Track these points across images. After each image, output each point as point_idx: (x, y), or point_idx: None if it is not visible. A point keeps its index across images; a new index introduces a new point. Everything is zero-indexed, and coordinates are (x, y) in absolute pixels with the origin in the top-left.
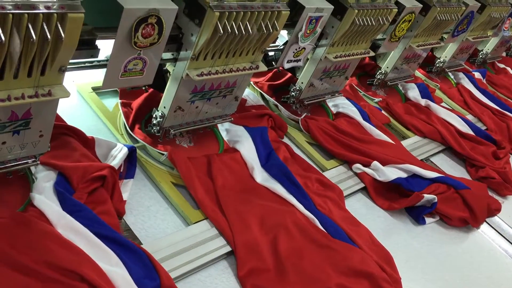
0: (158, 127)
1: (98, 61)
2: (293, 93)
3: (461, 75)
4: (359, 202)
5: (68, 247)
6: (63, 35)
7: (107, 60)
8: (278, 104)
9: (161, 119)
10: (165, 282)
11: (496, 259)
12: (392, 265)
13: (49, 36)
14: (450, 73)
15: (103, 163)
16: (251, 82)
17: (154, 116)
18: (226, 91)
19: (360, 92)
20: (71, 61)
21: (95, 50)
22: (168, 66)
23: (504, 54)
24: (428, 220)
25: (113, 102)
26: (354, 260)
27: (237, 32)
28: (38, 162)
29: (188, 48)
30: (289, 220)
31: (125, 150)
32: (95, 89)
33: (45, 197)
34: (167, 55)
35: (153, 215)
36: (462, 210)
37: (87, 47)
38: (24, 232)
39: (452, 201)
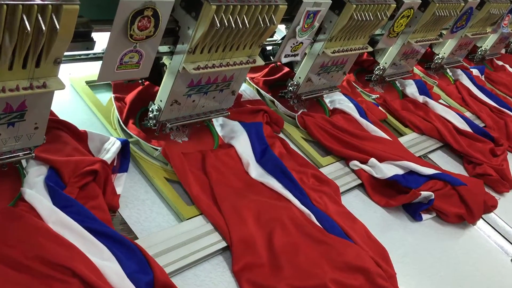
0: (154, 121)
1: (94, 54)
2: (290, 88)
3: (459, 72)
4: (355, 198)
5: (59, 242)
6: (58, 27)
7: (103, 53)
8: (274, 100)
9: (158, 113)
10: (159, 276)
11: (492, 255)
12: (387, 260)
13: (43, 28)
14: (448, 70)
15: (95, 157)
16: (247, 78)
17: (150, 109)
18: (223, 85)
19: (358, 89)
20: (66, 53)
21: (90, 43)
22: (165, 60)
23: (503, 51)
24: (425, 216)
25: (107, 96)
26: (350, 256)
27: (234, 26)
28: (33, 154)
29: (184, 42)
30: (285, 215)
31: (118, 144)
32: (89, 82)
33: (36, 191)
34: (164, 48)
35: (148, 208)
36: (459, 207)
37: (82, 39)
38: (15, 227)
39: (449, 197)
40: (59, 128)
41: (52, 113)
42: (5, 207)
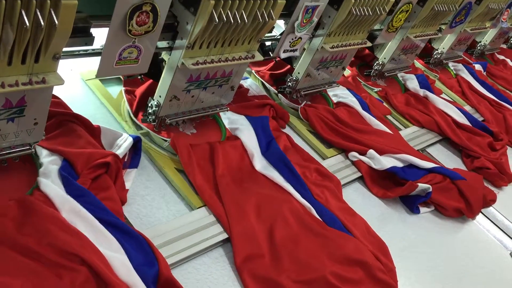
0: (153, 116)
1: (93, 49)
2: (289, 83)
3: (460, 66)
4: (355, 192)
5: (71, 232)
6: (56, 22)
7: (101, 49)
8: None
9: (157, 108)
10: (163, 271)
11: (491, 250)
12: (387, 254)
13: (42, 23)
14: (450, 64)
15: (107, 150)
16: (253, 71)
17: (149, 105)
18: (222, 81)
19: (361, 83)
20: (65, 49)
21: (89, 38)
22: (164, 55)
23: (504, 46)
24: (423, 209)
25: (117, 90)
26: (349, 249)
27: (232, 21)
28: (33, 150)
29: (183, 37)
30: (285, 209)
31: (130, 140)
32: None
33: (51, 181)
34: (163, 44)
35: (155, 200)
36: (458, 201)
37: (81, 34)
38: (30, 216)
39: (448, 191)
40: (74, 122)
41: (66, 107)
42: (22, 196)
